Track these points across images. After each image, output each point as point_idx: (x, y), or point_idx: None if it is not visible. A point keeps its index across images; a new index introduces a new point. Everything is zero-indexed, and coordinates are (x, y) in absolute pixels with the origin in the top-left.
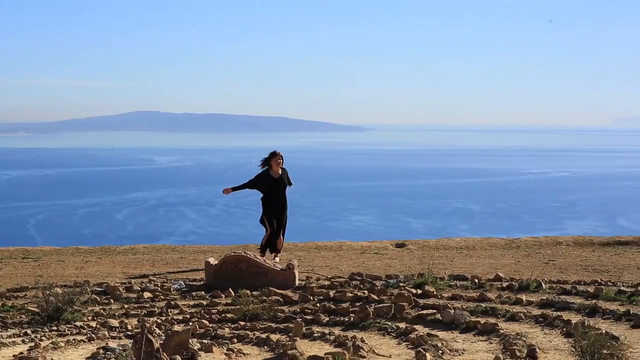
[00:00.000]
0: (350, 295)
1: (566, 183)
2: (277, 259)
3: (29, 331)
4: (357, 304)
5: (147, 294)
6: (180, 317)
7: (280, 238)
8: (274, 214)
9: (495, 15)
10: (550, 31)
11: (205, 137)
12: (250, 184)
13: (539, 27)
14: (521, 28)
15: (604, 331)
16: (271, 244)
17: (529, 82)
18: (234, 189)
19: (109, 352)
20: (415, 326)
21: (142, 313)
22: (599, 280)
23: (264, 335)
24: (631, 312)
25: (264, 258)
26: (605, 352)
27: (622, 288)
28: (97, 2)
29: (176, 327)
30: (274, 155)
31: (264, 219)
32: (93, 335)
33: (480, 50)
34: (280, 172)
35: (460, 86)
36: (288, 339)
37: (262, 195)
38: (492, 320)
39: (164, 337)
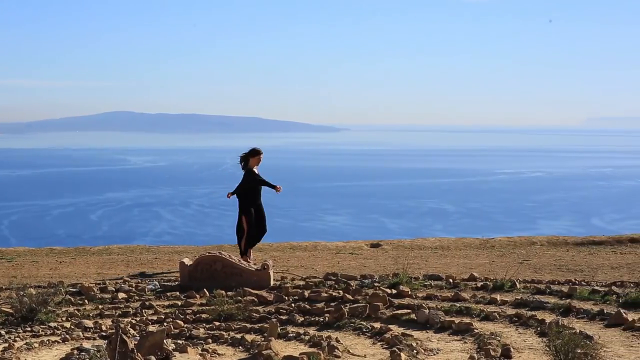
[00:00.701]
0: (325, 295)
1: (540, 183)
2: (251, 259)
3: (2, 332)
4: (332, 304)
5: (121, 295)
6: (154, 318)
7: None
8: (255, 213)
9: (468, 15)
10: (525, 32)
11: (179, 137)
12: (244, 185)
13: (513, 28)
14: (496, 28)
15: (578, 330)
16: (252, 241)
17: (502, 82)
18: (232, 194)
19: (83, 353)
20: (390, 326)
21: (117, 314)
22: (573, 280)
23: (238, 336)
24: (605, 311)
25: (249, 260)
26: (579, 351)
27: (596, 288)
28: (70, 3)
29: (151, 328)
30: (257, 152)
31: (245, 219)
32: (67, 336)
33: (455, 51)
34: (257, 170)
35: (434, 87)
36: (263, 339)
37: (239, 193)
38: (466, 319)
39: (138, 338)
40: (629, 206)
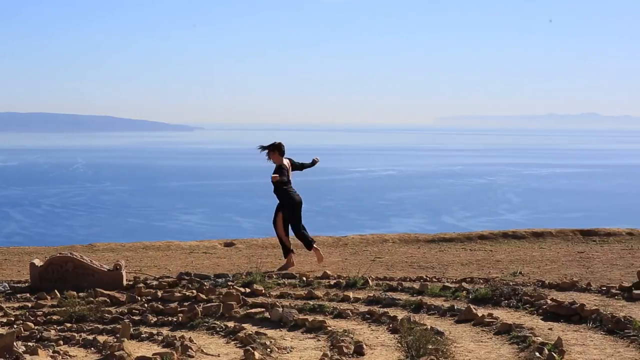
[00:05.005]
0: (179, 295)
1: (392, 181)
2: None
3: None
4: (186, 303)
5: None
6: (4, 320)
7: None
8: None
9: (324, 15)
10: (376, 33)
11: (29, 136)
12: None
13: (365, 29)
14: (349, 29)
15: (429, 326)
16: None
17: (351, 80)
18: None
19: None
20: (243, 325)
21: None
22: (424, 277)
23: (90, 337)
24: (455, 307)
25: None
26: (430, 347)
27: (447, 284)
28: None
29: (0, 330)
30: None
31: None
32: None
33: (307, 52)
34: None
35: (286, 86)
36: (115, 340)
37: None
38: (320, 317)
39: None
40: (478, 203)
